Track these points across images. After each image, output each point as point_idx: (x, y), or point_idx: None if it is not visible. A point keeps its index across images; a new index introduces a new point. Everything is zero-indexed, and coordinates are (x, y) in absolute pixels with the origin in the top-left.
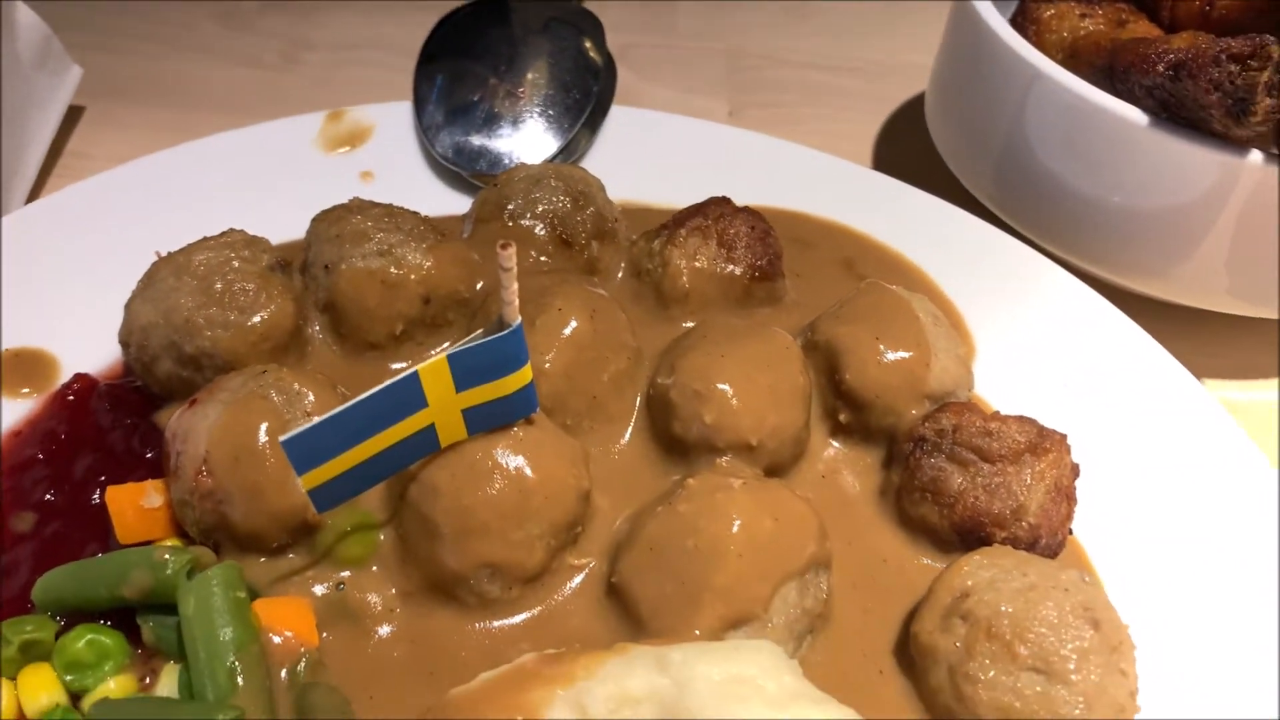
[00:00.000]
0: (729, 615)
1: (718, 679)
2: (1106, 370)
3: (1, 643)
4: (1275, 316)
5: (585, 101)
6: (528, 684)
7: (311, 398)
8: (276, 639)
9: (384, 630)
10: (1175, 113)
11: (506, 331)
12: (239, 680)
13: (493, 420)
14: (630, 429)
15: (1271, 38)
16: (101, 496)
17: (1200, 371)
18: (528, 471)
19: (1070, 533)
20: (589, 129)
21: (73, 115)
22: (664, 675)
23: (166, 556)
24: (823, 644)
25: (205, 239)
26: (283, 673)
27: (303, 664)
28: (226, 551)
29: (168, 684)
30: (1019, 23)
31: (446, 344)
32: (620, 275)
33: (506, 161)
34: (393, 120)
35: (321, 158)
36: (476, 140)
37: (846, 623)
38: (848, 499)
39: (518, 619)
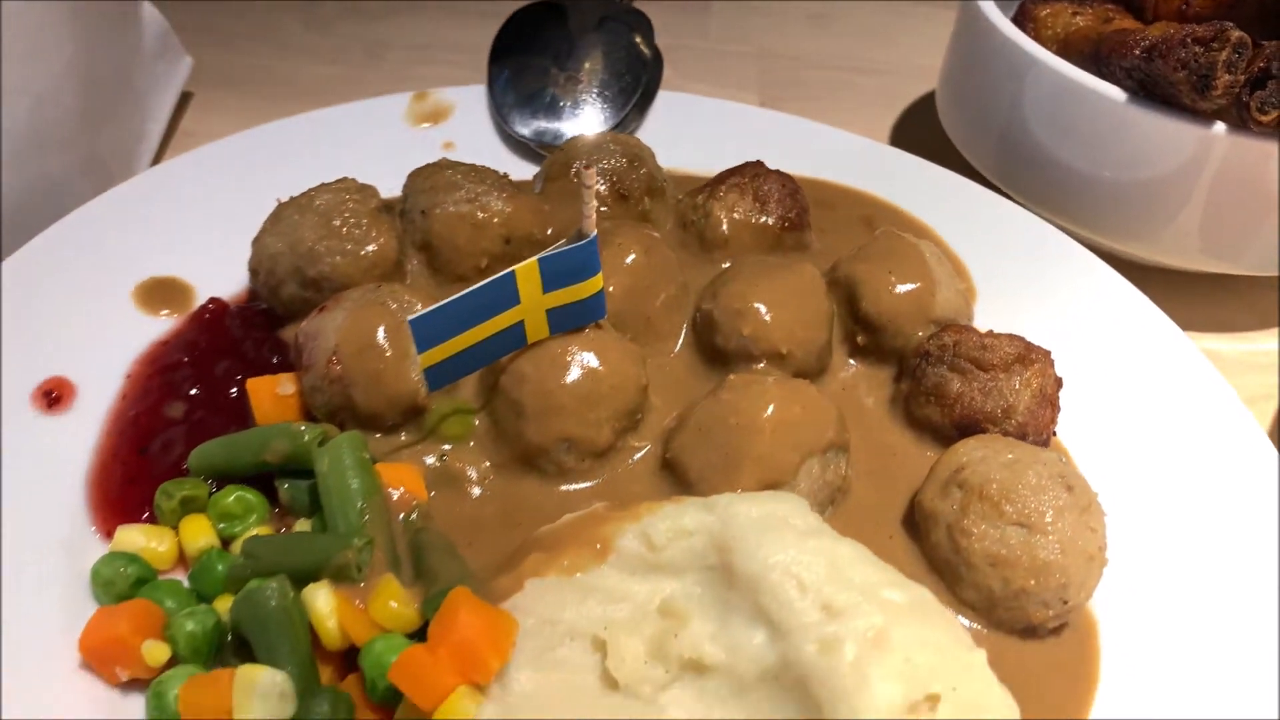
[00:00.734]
0: (763, 479)
1: (755, 515)
2: (1095, 317)
3: (165, 498)
4: (1243, 273)
5: (635, 87)
6: (602, 522)
7: (420, 306)
8: (394, 493)
9: (478, 492)
10: (1150, 91)
11: (585, 241)
12: (365, 519)
13: (569, 322)
14: (679, 344)
15: (1230, 24)
16: (239, 391)
17: (1182, 324)
18: (598, 365)
19: (1054, 434)
20: (639, 111)
21: (183, 100)
22: (710, 514)
23: (302, 428)
24: (840, 514)
25: (323, 185)
26: (399, 517)
27: (415, 514)
28: (349, 430)
29: None
30: (1019, 20)
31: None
32: (669, 226)
33: (568, 135)
34: (469, 101)
35: (409, 130)
36: (542, 119)
37: (861, 499)
38: (863, 407)
39: (588, 485)
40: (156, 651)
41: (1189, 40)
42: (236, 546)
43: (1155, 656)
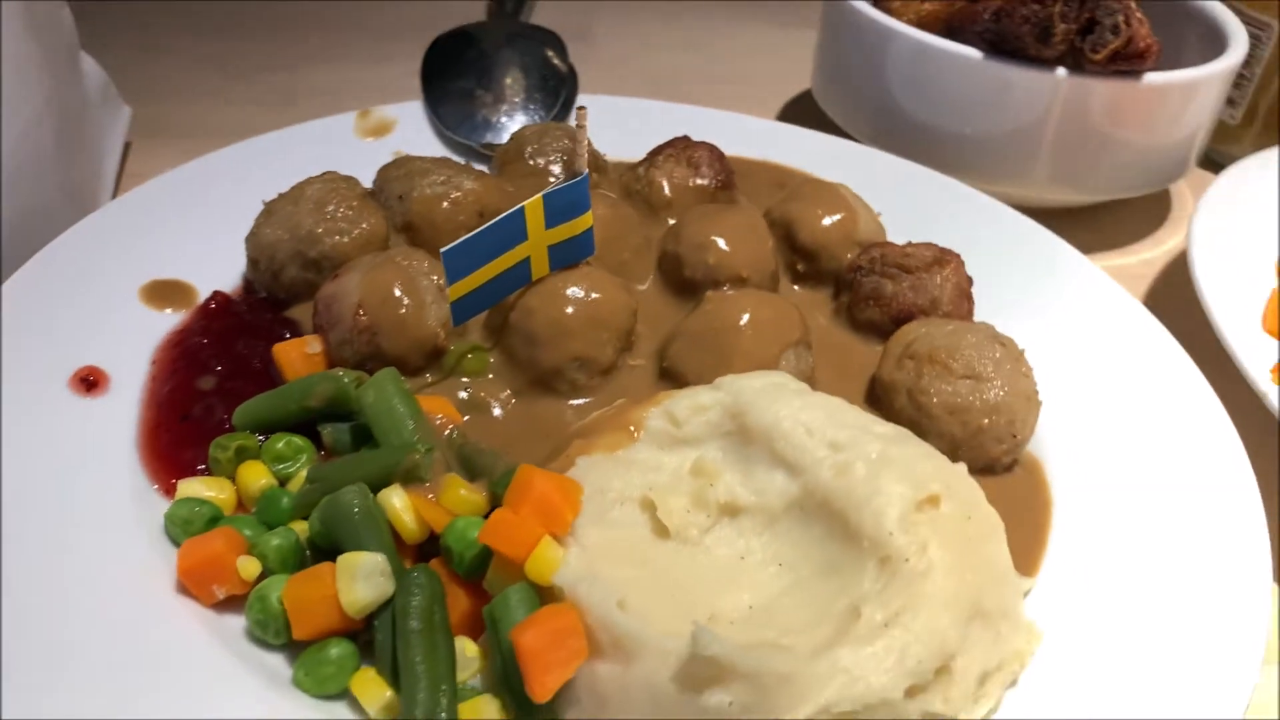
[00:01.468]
0: (752, 369)
1: (758, 386)
2: (1005, 251)
3: (219, 450)
4: (1093, 199)
5: (558, 92)
6: (629, 410)
7: (426, 264)
8: (435, 419)
9: (502, 414)
10: (1000, 48)
11: (578, 179)
12: (416, 436)
13: (565, 258)
14: (649, 283)
15: None
16: (263, 361)
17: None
18: (596, 294)
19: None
20: (563, 115)
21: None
22: (720, 391)
23: (340, 373)
24: None
25: (309, 179)
26: (443, 435)
27: (455, 434)
28: None
29: None
30: (876, 6)
31: None
32: (615, 196)
33: (507, 138)
34: (409, 115)
35: (361, 143)
36: (479, 133)
37: (826, 387)
38: (812, 323)
39: (599, 398)
40: (250, 565)
41: (1029, 0)
42: (293, 484)
43: (1090, 487)
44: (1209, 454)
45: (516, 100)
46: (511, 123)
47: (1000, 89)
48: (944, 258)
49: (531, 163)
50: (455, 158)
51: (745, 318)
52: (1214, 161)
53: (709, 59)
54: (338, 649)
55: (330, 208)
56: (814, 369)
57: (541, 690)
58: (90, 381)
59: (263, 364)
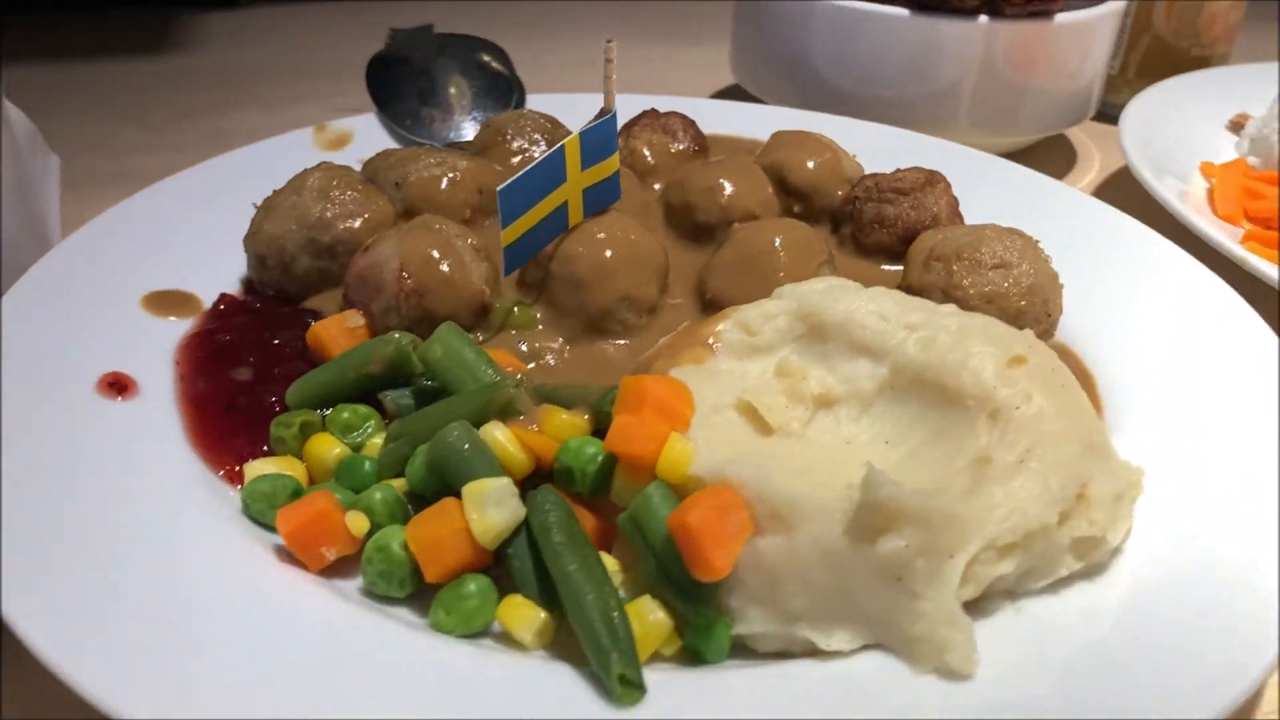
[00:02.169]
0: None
1: (820, 288)
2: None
3: (282, 428)
4: (1019, 140)
5: (509, 92)
6: (698, 329)
7: (455, 228)
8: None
9: (562, 362)
10: (924, 5)
11: (608, 117)
12: (499, 376)
13: (596, 203)
14: (662, 234)
15: None
16: (297, 347)
17: None
18: (632, 236)
19: None
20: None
21: None
22: (783, 299)
23: (397, 335)
24: None
25: (304, 171)
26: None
27: (524, 380)
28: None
29: None
30: None
31: None
32: None
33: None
34: (365, 127)
35: (325, 155)
36: (438, 135)
37: None
38: None
39: (648, 336)
40: (359, 521)
41: None
42: (368, 452)
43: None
44: (1229, 326)
45: (464, 106)
46: (468, 127)
47: (928, 44)
48: (933, 178)
49: (512, 145)
50: None
51: (778, 240)
52: (1102, 113)
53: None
54: (475, 583)
55: (336, 193)
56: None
57: (719, 564)
58: (120, 386)
59: (298, 350)
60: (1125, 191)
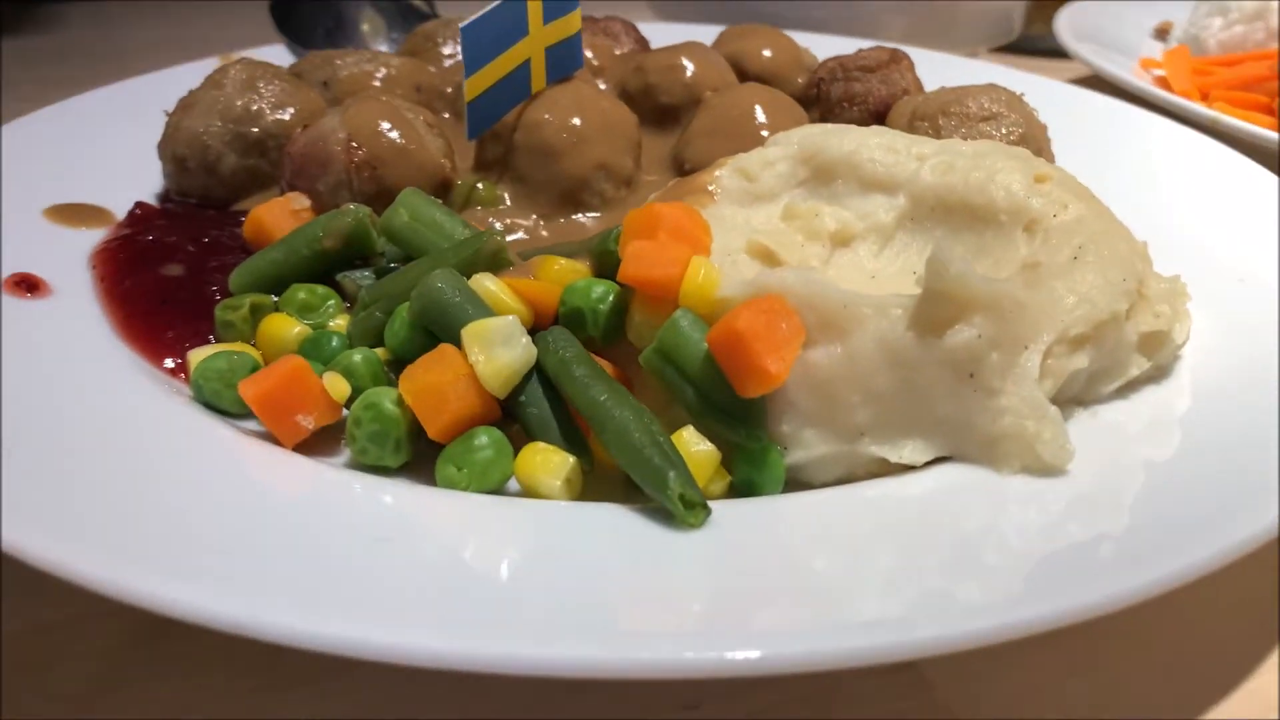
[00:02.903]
0: None
1: (818, 131)
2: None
3: (229, 311)
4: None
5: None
6: (695, 178)
7: (404, 102)
8: None
9: (538, 237)
10: None
11: None
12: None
13: (559, 66)
14: None
15: None
16: (231, 240)
17: None
18: (602, 102)
19: None
20: None
21: None
22: (779, 145)
23: (352, 206)
24: None
25: (224, 65)
26: None
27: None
28: None
29: None
30: None
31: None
32: None
33: None
34: (278, 59)
35: None
36: None
37: None
38: None
39: (627, 210)
40: (339, 383)
41: None
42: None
43: None
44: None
45: (379, 40)
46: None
47: None
48: (897, 55)
49: (443, 50)
50: None
51: (756, 102)
52: (1021, 47)
53: None
54: (487, 435)
55: (262, 85)
56: None
57: (775, 369)
58: (29, 284)
59: (235, 244)
60: None
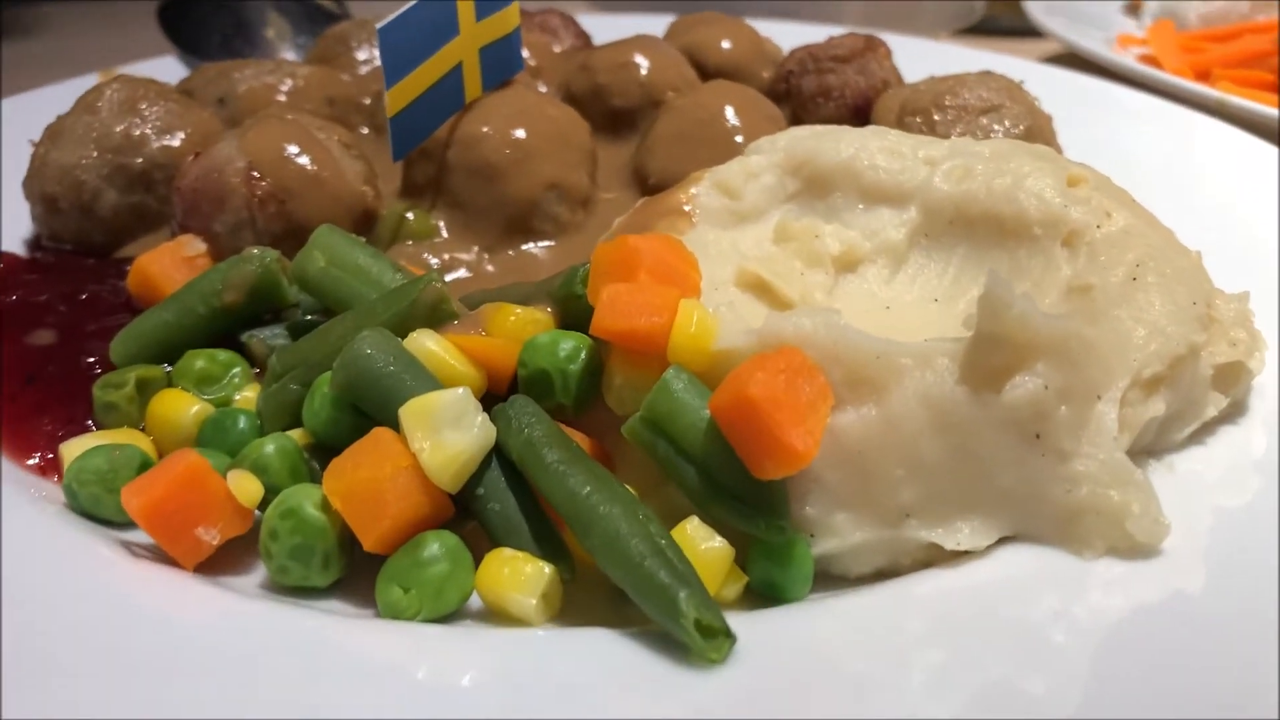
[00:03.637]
0: None
1: (806, 133)
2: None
3: (110, 390)
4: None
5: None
6: (666, 197)
7: (314, 120)
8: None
9: (484, 274)
10: None
11: None
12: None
13: (497, 69)
14: None
15: None
16: (113, 297)
17: None
18: (549, 109)
19: None
20: None
21: None
22: (763, 153)
23: (256, 251)
24: None
25: (97, 85)
26: None
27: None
28: None
29: None
30: None
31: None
32: None
33: None
34: (166, 71)
35: None
36: None
37: None
38: None
39: (587, 236)
40: (248, 483)
41: None
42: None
43: None
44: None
45: (284, 44)
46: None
47: None
48: (872, 42)
49: (357, 55)
50: None
51: (726, 103)
52: (983, 28)
53: None
54: (438, 542)
55: (145, 106)
56: None
57: (801, 446)
58: None
59: (118, 302)
60: None
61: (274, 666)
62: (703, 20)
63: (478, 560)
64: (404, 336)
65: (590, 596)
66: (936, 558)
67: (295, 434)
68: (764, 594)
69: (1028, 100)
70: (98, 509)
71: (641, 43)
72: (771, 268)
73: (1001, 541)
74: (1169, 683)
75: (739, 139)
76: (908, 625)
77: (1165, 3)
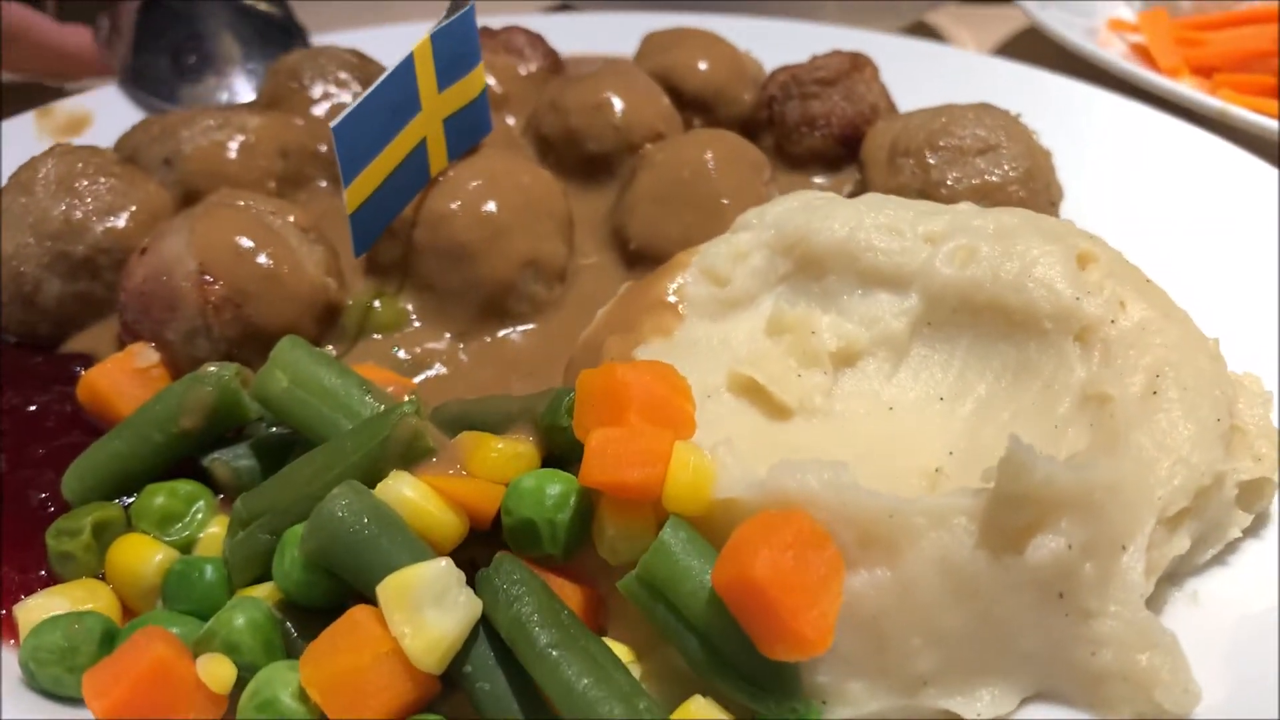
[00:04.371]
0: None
1: (796, 205)
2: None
3: (64, 539)
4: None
5: (289, 38)
6: (648, 287)
7: (269, 204)
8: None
9: (459, 366)
10: None
11: (464, 9)
12: (381, 404)
13: (464, 136)
14: None
15: None
16: (62, 409)
17: None
18: (521, 177)
19: None
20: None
21: None
22: (752, 230)
23: (213, 368)
24: None
25: (32, 160)
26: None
27: (414, 399)
28: (260, 364)
29: None
30: None
31: None
32: None
33: (244, 97)
34: (106, 102)
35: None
36: (204, 97)
37: None
38: None
39: (567, 312)
40: (218, 666)
41: None
42: (204, 549)
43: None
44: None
45: (234, 58)
46: (243, 84)
47: None
48: (858, 60)
49: (312, 91)
50: None
51: (709, 155)
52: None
53: None
54: None
55: (84, 183)
56: None
57: (813, 634)
58: None
59: (67, 416)
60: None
61: None
62: (677, 39)
63: None
64: (378, 477)
65: None
66: None
67: (266, 590)
68: None
69: (1026, 137)
70: (60, 689)
71: (614, 76)
72: (766, 370)
73: (1024, 701)
74: None
75: (724, 201)
76: None
77: None
